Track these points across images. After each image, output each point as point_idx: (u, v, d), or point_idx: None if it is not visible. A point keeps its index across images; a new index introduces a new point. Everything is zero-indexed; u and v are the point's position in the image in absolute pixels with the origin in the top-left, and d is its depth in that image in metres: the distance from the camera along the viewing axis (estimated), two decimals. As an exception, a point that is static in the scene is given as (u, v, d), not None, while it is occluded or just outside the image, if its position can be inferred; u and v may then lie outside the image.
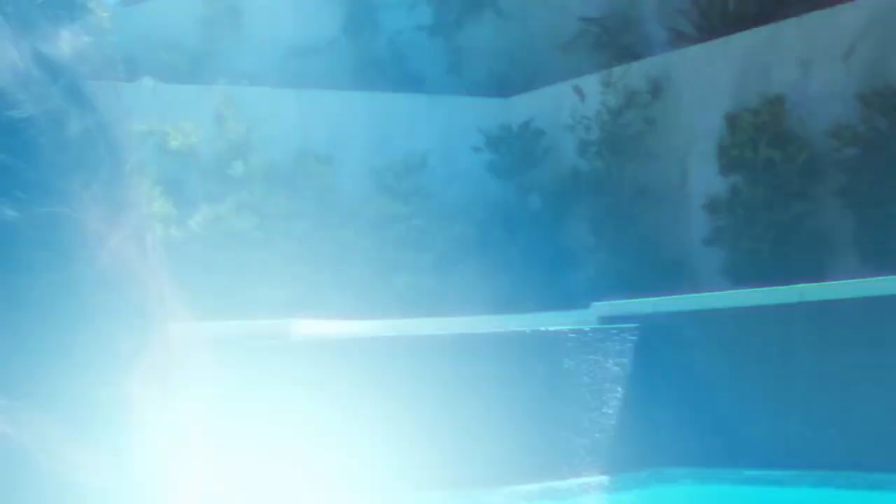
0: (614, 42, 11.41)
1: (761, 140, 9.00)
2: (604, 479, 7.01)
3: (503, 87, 11.85)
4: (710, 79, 9.85)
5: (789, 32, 9.47)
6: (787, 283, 7.17)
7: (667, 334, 7.26)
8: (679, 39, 10.66)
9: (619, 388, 7.13)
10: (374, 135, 10.40)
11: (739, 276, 8.84)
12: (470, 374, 6.95)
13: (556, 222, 10.71)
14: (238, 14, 11.63)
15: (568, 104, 10.68)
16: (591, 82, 10.49)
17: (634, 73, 10.18)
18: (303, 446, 5.71)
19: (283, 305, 9.19)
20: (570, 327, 7.25)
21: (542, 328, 7.29)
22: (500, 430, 6.80)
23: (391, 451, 6.37)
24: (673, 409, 7.14)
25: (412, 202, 9.81)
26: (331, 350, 7.03)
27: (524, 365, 7.09)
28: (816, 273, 8.15)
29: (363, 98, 10.66)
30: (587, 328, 7.29)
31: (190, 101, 10.17)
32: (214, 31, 11.46)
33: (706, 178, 9.68)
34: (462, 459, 6.72)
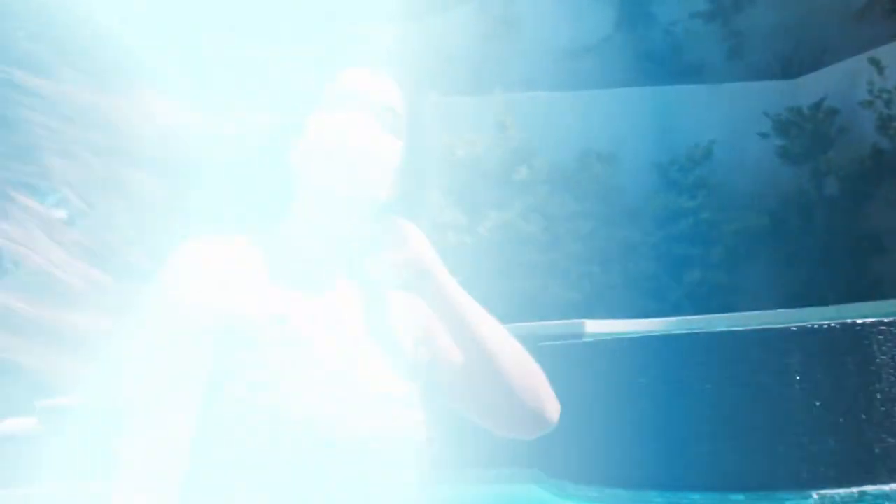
0: (914, 7, 10.51)
1: None
2: (930, 483, 6.48)
3: (788, 68, 11.26)
4: None
5: None
6: None
7: None
8: None
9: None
10: (656, 129, 10.25)
11: None
12: (772, 370, 6.68)
13: (857, 207, 10.00)
14: (512, 24, 11.90)
15: (864, 79, 9.94)
16: (889, 52, 9.71)
17: (940, 39, 9.31)
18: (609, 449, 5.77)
19: (573, 305, 9.30)
20: (882, 319, 6.75)
21: (851, 321, 6.84)
22: (808, 430, 6.48)
23: (691, 452, 6.27)
24: None
25: (699, 195, 9.55)
26: (625, 348, 7.03)
27: (832, 361, 6.69)
28: None
29: (642, 93, 10.54)
30: (902, 319, 6.75)
31: (472, 112, 10.53)
32: (490, 42, 11.80)
33: None
34: (767, 461, 6.48)
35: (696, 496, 6.35)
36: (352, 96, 1.33)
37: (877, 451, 6.49)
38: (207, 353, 1.19)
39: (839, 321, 6.89)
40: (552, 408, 1.38)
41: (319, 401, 1.18)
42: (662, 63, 11.61)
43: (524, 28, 11.97)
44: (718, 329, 7.29)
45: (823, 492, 6.38)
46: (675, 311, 8.70)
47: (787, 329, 6.93)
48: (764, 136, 10.25)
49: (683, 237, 9.49)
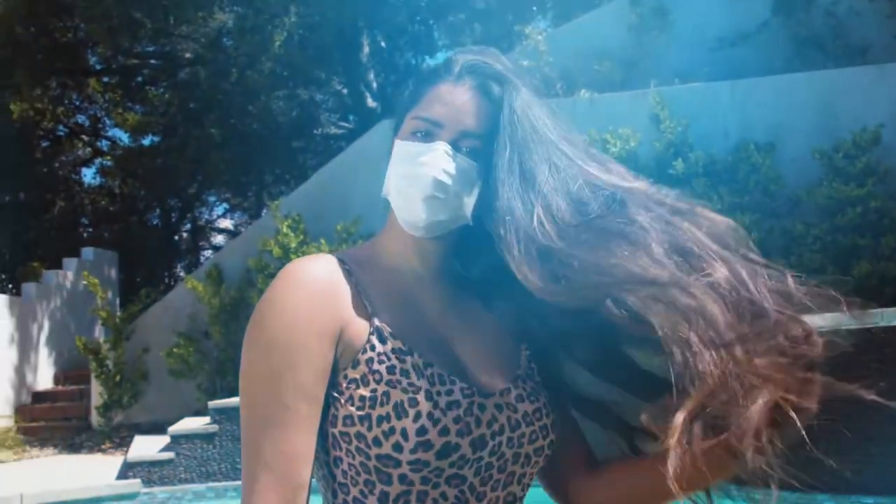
0: None
1: None
2: None
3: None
4: None
5: None
6: None
7: None
8: None
9: None
10: (818, 116, 9.88)
11: None
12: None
13: None
14: (664, 14, 11.73)
15: None
16: None
17: None
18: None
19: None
20: None
21: None
22: None
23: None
24: None
25: (867, 183, 9.14)
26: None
27: None
28: None
29: (802, 79, 10.17)
30: None
31: (625, 107, 10.49)
32: (642, 35, 11.67)
33: None
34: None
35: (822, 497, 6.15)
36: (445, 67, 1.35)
37: None
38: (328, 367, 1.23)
39: None
40: None
41: (454, 430, 1.22)
42: (823, 46, 11.16)
43: (677, 18, 11.78)
44: (893, 323, 6.99)
45: None
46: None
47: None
48: (939, 117, 9.70)
49: (850, 228, 9.10)
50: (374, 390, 1.21)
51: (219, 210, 25.86)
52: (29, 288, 14.79)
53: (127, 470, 8.89)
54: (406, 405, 1.20)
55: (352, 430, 1.22)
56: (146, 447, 9.39)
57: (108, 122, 23.08)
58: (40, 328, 14.68)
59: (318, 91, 20.82)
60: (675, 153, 9.82)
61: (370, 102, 18.02)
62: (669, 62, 11.41)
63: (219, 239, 25.51)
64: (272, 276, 10.32)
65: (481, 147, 1.30)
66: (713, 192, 9.43)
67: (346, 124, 20.64)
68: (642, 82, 10.96)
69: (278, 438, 1.19)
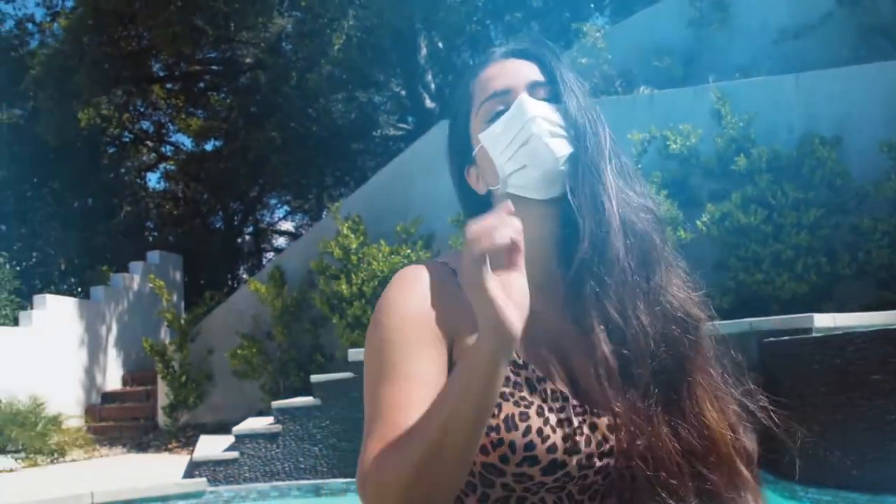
0: None
1: None
2: None
3: None
4: None
5: None
6: None
7: None
8: None
9: None
10: (886, 107, 9.61)
11: None
12: None
13: None
14: (724, 7, 11.55)
15: None
16: None
17: None
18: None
19: (799, 298, 8.93)
20: None
21: None
22: None
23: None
24: None
25: (937, 176, 8.89)
26: (857, 344, 6.69)
27: None
28: None
29: (870, 70, 9.91)
30: None
31: (685, 103, 10.35)
32: (702, 29, 11.51)
33: None
34: None
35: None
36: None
37: None
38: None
39: None
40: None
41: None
42: (891, 35, 10.86)
43: (738, 11, 11.58)
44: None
45: None
46: (914, 301, 8.16)
47: None
48: None
49: (921, 222, 8.86)
50: None
51: (280, 212, 26.20)
52: (97, 291, 15.14)
53: (193, 469, 9.04)
54: (517, 419, 1.20)
55: None
56: (211, 447, 9.53)
57: (171, 127, 23.53)
58: (108, 330, 15.02)
59: (377, 93, 20.93)
60: (738, 149, 9.66)
61: (428, 103, 18.06)
62: (730, 56, 11.23)
63: (280, 241, 25.83)
64: (334, 277, 10.43)
65: (552, 92, 1.34)
66: (777, 188, 9.25)
67: (404, 125, 20.72)
68: (703, 77, 10.81)
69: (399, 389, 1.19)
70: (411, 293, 1.26)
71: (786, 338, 6.97)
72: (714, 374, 1.35)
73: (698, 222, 9.38)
